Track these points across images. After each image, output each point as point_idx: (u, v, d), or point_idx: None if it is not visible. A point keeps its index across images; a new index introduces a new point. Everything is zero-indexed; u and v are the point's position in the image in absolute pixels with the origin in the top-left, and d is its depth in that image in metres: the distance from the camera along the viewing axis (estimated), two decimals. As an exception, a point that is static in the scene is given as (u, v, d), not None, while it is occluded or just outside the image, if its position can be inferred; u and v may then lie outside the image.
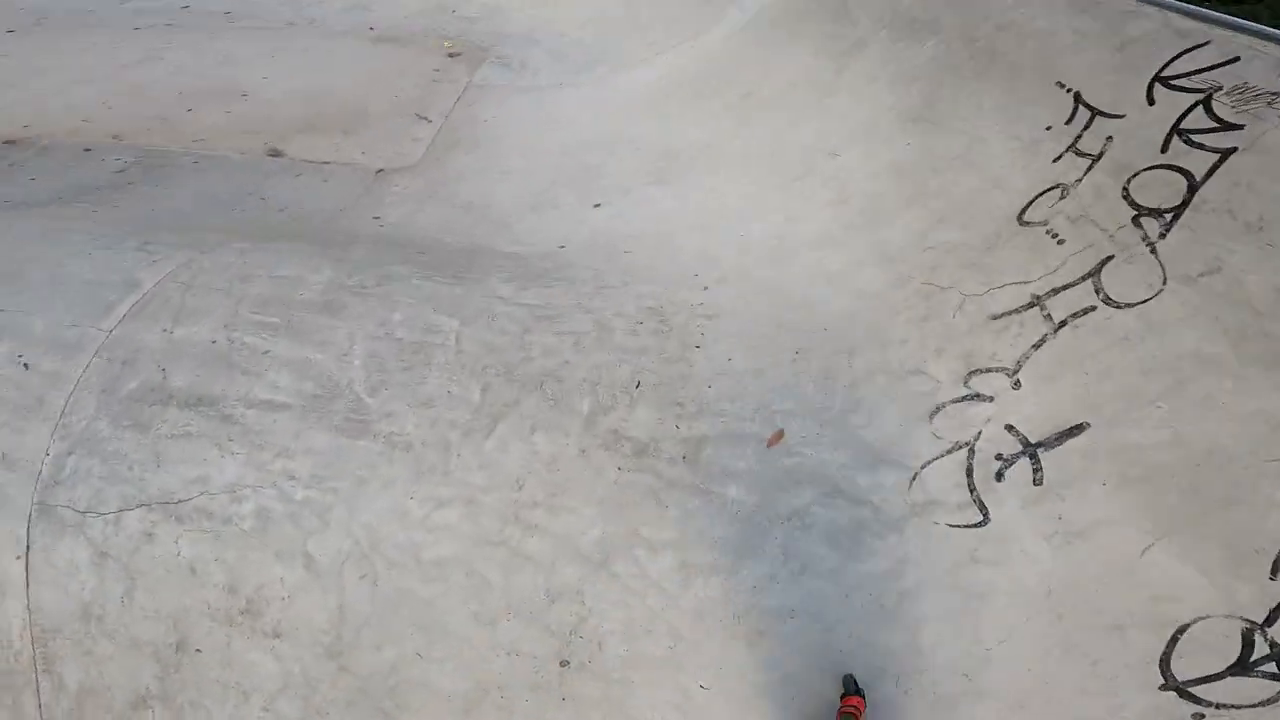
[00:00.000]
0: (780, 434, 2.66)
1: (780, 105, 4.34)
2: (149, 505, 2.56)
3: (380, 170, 4.84)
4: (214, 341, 2.97)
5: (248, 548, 2.54)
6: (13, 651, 2.54)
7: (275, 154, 4.99)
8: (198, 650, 2.48)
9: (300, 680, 2.45)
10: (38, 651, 2.52)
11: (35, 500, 2.56)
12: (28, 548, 2.55)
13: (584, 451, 2.65)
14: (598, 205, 4.24)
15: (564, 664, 2.38)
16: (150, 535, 2.55)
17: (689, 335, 3.03)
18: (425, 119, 5.35)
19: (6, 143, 5.07)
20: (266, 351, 2.93)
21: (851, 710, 2.17)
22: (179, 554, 2.53)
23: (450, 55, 6.13)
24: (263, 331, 3.01)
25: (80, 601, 2.52)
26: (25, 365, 2.84)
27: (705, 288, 3.37)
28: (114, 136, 5.11)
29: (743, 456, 2.63)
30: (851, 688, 2.31)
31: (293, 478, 2.59)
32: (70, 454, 2.64)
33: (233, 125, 5.25)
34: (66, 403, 2.76)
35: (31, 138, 5.09)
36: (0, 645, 2.53)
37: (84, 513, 2.56)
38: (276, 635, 2.48)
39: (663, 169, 4.45)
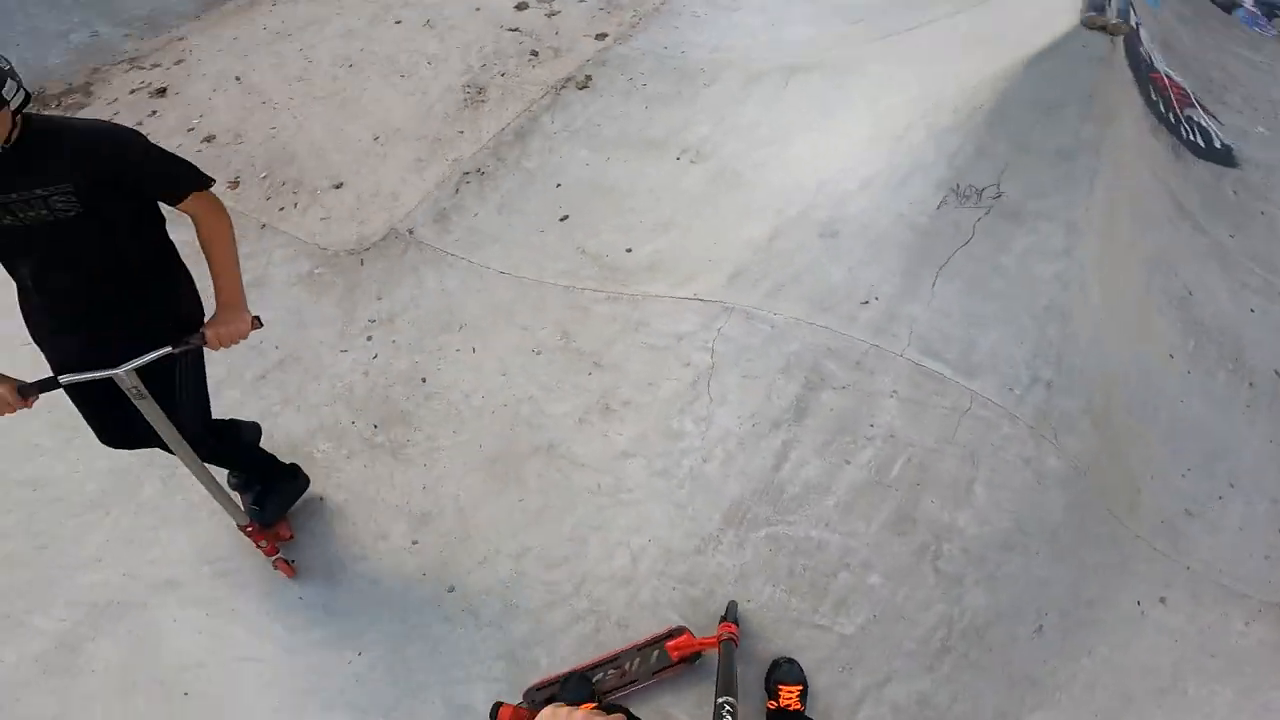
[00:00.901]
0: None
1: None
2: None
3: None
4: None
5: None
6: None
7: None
8: (600, 364, 3.22)
9: (521, 447, 3.03)
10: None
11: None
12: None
13: None
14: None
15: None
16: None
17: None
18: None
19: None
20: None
21: (731, 636, 2.32)
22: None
23: None
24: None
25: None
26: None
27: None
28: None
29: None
30: (733, 613, 2.46)
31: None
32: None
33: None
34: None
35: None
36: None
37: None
38: (582, 421, 3.08)
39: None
